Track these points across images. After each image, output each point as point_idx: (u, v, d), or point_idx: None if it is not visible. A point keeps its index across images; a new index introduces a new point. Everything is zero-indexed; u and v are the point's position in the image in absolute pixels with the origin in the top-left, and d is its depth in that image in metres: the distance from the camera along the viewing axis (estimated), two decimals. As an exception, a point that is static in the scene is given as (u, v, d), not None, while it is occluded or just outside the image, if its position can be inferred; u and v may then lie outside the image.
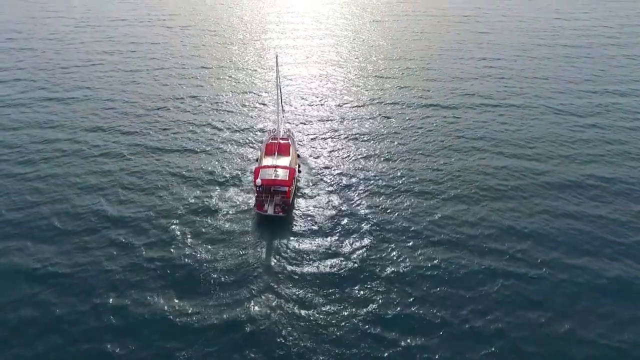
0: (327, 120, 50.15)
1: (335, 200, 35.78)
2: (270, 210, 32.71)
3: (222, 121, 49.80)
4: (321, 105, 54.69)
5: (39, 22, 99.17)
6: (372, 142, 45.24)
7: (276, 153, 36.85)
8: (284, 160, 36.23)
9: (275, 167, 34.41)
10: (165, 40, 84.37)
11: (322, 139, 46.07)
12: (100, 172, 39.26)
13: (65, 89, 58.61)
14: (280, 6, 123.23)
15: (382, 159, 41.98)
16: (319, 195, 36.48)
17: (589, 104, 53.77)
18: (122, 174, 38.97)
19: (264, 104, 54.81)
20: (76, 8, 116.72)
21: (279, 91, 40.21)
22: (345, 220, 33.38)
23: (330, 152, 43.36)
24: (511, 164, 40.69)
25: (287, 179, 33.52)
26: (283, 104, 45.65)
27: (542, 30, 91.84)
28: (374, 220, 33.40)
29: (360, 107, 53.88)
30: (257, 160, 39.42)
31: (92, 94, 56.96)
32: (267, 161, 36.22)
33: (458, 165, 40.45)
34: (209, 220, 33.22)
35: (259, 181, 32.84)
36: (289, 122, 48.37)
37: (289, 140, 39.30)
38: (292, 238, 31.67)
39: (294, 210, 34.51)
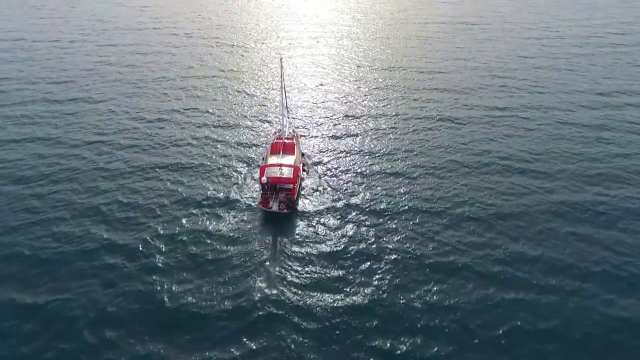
0: (331, 127, 50.20)
1: (338, 201, 36.27)
2: (275, 206, 33.72)
3: (226, 127, 49.77)
4: (325, 112, 54.59)
5: (44, 29, 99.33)
6: (375, 148, 45.31)
7: (281, 152, 38.00)
8: (289, 159, 37.32)
9: (280, 165, 35.58)
10: (169, 47, 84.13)
11: (326, 143, 46.33)
12: (99, 188, 38.14)
13: (67, 99, 58.09)
14: (284, 13, 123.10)
15: (385, 165, 41.94)
16: (322, 195, 37.09)
17: (595, 115, 52.63)
18: (120, 190, 37.90)
19: (269, 107, 55.56)
20: (82, 14, 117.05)
21: (283, 92, 41.76)
22: (346, 221, 33.81)
23: (334, 156, 43.60)
24: (518, 180, 39.49)
25: (292, 176, 34.80)
26: (288, 105, 47.01)
27: (545, 37, 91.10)
28: (376, 223, 33.59)
29: (363, 114, 53.41)
30: (263, 159, 40.51)
31: (94, 105, 56.28)
32: (273, 160, 37.21)
33: (463, 179, 39.50)
34: (212, 224, 33.58)
35: (264, 179, 33.94)
36: (294, 127, 48.75)
37: (294, 140, 40.38)
38: (295, 235, 32.25)
39: (298, 208, 35.24)
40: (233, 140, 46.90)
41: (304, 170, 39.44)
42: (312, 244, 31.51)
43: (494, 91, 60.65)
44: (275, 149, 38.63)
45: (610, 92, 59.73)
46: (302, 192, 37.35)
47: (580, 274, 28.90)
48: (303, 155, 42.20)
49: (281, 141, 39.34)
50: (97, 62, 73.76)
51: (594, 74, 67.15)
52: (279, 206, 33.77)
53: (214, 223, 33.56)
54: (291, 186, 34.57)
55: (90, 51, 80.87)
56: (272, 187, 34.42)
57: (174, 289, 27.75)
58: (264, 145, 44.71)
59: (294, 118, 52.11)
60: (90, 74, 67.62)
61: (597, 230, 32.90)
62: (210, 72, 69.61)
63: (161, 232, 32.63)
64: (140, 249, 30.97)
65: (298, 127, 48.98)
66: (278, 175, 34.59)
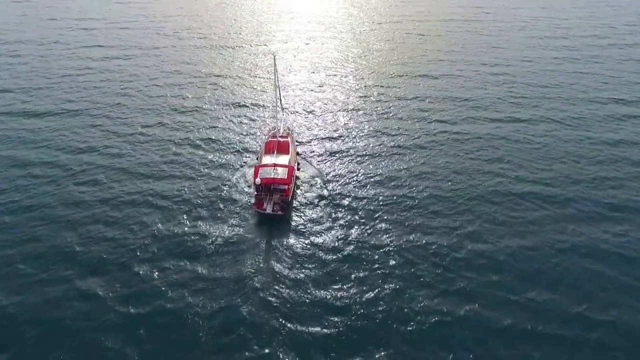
0: (326, 126, 49.30)
1: (334, 202, 35.46)
2: (269, 208, 32.91)
3: (217, 129, 48.13)
4: (320, 110, 53.33)
5: (28, 28, 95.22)
6: (373, 150, 44.03)
7: (275, 151, 37.01)
8: (283, 159, 36.37)
9: (275, 165, 34.67)
10: (158, 48, 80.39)
11: (321, 141, 45.52)
12: (77, 204, 34.75)
13: (48, 103, 54.52)
14: (279, 10, 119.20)
15: (384, 170, 40.34)
16: (318, 195, 36.31)
17: (610, 127, 48.71)
18: (100, 205, 34.67)
19: (263, 106, 54.42)
20: (71, 10, 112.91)
21: (277, 90, 41.10)
22: (343, 224, 32.79)
23: (330, 155, 42.83)
24: (529, 205, 35.61)
25: (286, 177, 34.08)
26: (282, 102, 45.95)
27: (552, 36, 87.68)
28: (373, 226, 32.65)
29: (360, 115, 51.73)
30: (257, 158, 39.67)
31: (75, 109, 52.77)
32: (267, 159, 36.30)
33: (470, 201, 36.10)
34: (203, 232, 31.91)
35: (258, 180, 33.33)
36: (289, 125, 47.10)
37: (289, 138, 39.51)
38: (290, 237, 31.31)
39: (292, 209, 34.47)
40: (225, 141, 45.23)
41: (298, 169, 38.73)
42: (307, 248, 30.33)
43: (499, 96, 57.18)
44: (269, 148, 37.56)
45: (626, 100, 56.01)
46: (297, 192, 36.53)
47: (602, 323, 25.23)
48: (298, 153, 41.57)
49: (275, 140, 38.36)
50: (82, 66, 69.52)
51: (606, 78, 63.65)
52: (273, 208, 32.95)
53: (206, 231, 31.85)
54: (286, 187, 33.79)
55: (75, 53, 76.69)
56: (266, 188, 33.68)
57: (157, 322, 24.88)
58: (257, 144, 43.57)
59: (288, 115, 50.16)
60: (73, 80, 63.26)
61: (619, 270, 28.92)
62: (201, 73, 66.38)
63: (144, 249, 30.00)
64: (121, 274, 28.06)
65: (293, 125, 47.34)
66: (272, 176, 33.80)
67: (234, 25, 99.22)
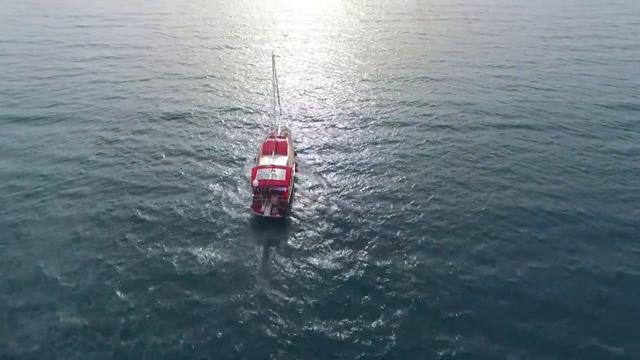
0: (325, 126, 48.45)
1: (333, 204, 34.81)
2: (267, 211, 32.10)
3: (213, 132, 47.05)
4: (319, 111, 52.69)
5: (23, 25, 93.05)
6: (373, 152, 43.29)
7: (273, 152, 36.30)
8: (282, 160, 35.63)
9: (273, 167, 33.88)
10: (152, 47, 78.41)
11: (320, 142, 44.85)
12: (61, 219, 33.00)
13: (35, 106, 52.82)
14: (277, 9, 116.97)
15: (384, 174, 39.69)
16: (317, 197, 35.62)
17: (619, 134, 46.88)
18: (85, 221, 32.83)
19: (260, 106, 53.48)
20: (66, 7, 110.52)
21: (275, 90, 40.54)
22: (343, 226, 32.33)
23: (329, 156, 42.18)
24: (536, 206, 34.63)
25: (285, 179, 33.20)
26: (280, 103, 45.16)
27: (554, 37, 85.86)
28: (374, 229, 32.17)
29: (360, 116, 50.65)
30: (254, 159, 38.66)
31: (64, 113, 51.00)
32: (265, 160, 35.54)
33: (475, 205, 34.80)
34: (198, 239, 31.14)
35: (256, 182, 32.38)
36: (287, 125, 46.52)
37: (286, 139, 38.62)
38: (288, 258, 29.74)
39: (291, 212, 33.72)
40: (219, 147, 43.89)
41: (296, 170, 37.97)
42: (307, 271, 28.79)
43: (502, 100, 55.39)
44: (267, 149, 36.79)
45: (632, 104, 54.19)
46: (296, 195, 35.78)
47: (618, 357, 23.60)
48: (296, 154, 40.89)
49: (273, 140, 37.45)
50: (73, 66, 67.69)
51: (610, 80, 61.93)
52: (272, 211, 32.21)
53: (197, 250, 30.17)
54: (284, 189, 32.98)
55: (67, 52, 74.81)
56: (264, 190, 32.77)
57: (145, 356, 23.11)
58: (253, 151, 42.45)
59: (286, 118, 48.80)
60: (64, 81, 61.54)
61: (635, 294, 27.15)
62: (196, 74, 64.58)
63: (132, 271, 28.31)
64: (105, 301, 26.23)
65: (291, 129, 46.12)
66: (270, 178, 32.91)
67: (231, 24, 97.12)
